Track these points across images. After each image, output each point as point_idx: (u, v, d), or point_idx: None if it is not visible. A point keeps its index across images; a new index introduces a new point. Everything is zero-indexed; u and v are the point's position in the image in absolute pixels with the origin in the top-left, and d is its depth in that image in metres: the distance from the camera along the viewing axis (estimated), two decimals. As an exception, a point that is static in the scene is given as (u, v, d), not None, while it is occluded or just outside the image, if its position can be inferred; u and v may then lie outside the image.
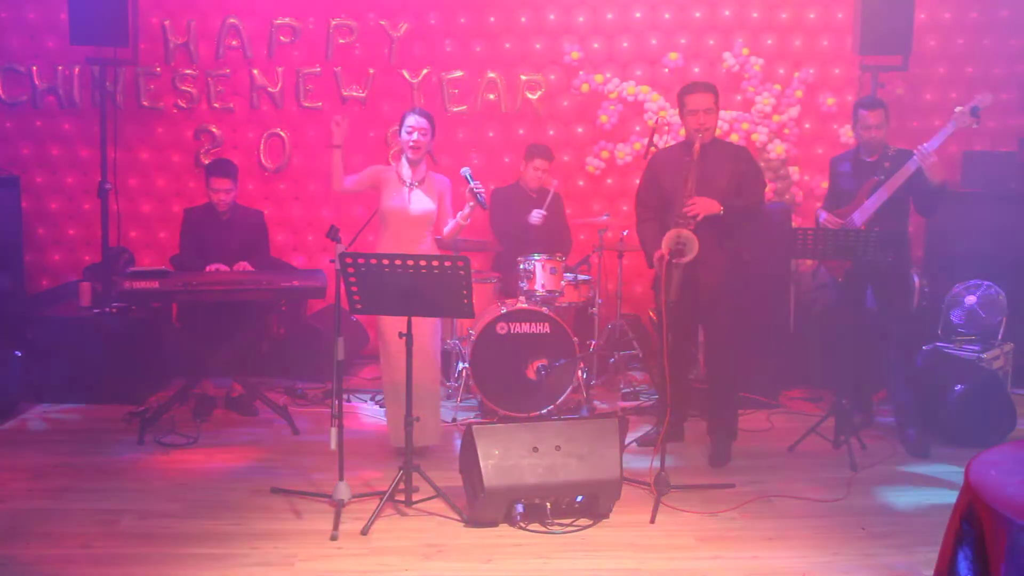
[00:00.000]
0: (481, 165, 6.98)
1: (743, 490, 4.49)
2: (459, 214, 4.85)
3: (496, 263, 6.43)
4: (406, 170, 4.85)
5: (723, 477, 4.66)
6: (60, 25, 6.50)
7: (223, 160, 5.88)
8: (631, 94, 6.82)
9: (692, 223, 4.60)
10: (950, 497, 2.63)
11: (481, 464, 3.97)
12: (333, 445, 4.10)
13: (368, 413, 5.73)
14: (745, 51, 6.79)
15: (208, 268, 5.40)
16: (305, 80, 6.90)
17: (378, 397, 5.82)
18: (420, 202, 4.84)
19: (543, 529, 4.02)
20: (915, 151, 4.86)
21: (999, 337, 6.03)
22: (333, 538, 3.92)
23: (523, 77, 6.94)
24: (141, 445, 5.07)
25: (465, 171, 4.88)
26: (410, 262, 3.95)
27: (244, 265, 5.49)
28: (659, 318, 4.74)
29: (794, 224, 6.35)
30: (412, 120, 4.81)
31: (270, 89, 6.89)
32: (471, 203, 4.78)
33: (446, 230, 4.94)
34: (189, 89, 6.85)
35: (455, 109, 6.95)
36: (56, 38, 6.70)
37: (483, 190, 4.82)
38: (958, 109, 4.94)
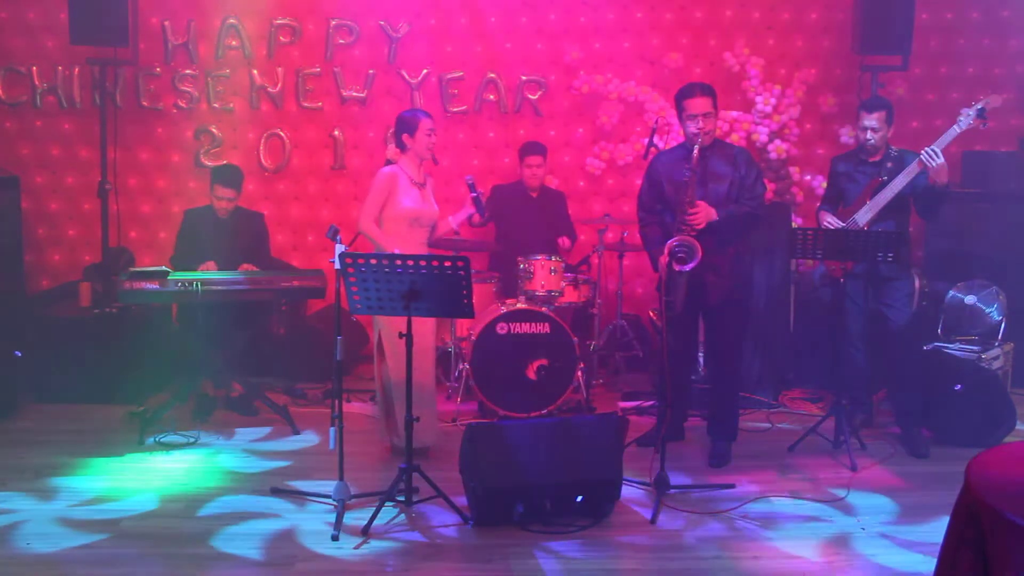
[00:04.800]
0: (481, 165, 6.99)
1: (743, 490, 4.49)
2: (451, 217, 4.97)
3: (496, 263, 6.42)
4: (417, 171, 4.85)
5: (723, 477, 4.66)
6: (60, 25, 6.50)
7: (230, 167, 5.86)
8: (631, 94, 6.81)
9: (695, 230, 4.59)
10: (950, 497, 2.63)
11: (481, 464, 3.97)
12: (333, 445, 4.10)
13: (368, 413, 5.72)
14: (746, 51, 6.79)
15: (200, 268, 5.38)
16: (305, 80, 6.90)
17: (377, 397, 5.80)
18: (432, 201, 4.90)
19: (543, 529, 4.02)
20: (921, 154, 4.85)
21: (999, 337, 6.03)
22: (333, 538, 3.92)
23: (523, 77, 6.94)
24: (141, 445, 5.08)
25: (469, 179, 4.98)
26: (410, 262, 3.95)
27: (249, 267, 5.46)
28: (660, 318, 4.73)
29: (794, 224, 6.35)
30: (431, 123, 4.82)
31: (270, 89, 6.89)
32: (471, 211, 4.91)
33: (439, 231, 5.01)
34: (189, 89, 6.85)
35: (455, 109, 6.95)
36: (56, 38, 6.71)
37: (483, 196, 4.97)
38: (964, 110, 4.93)
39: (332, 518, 4.04)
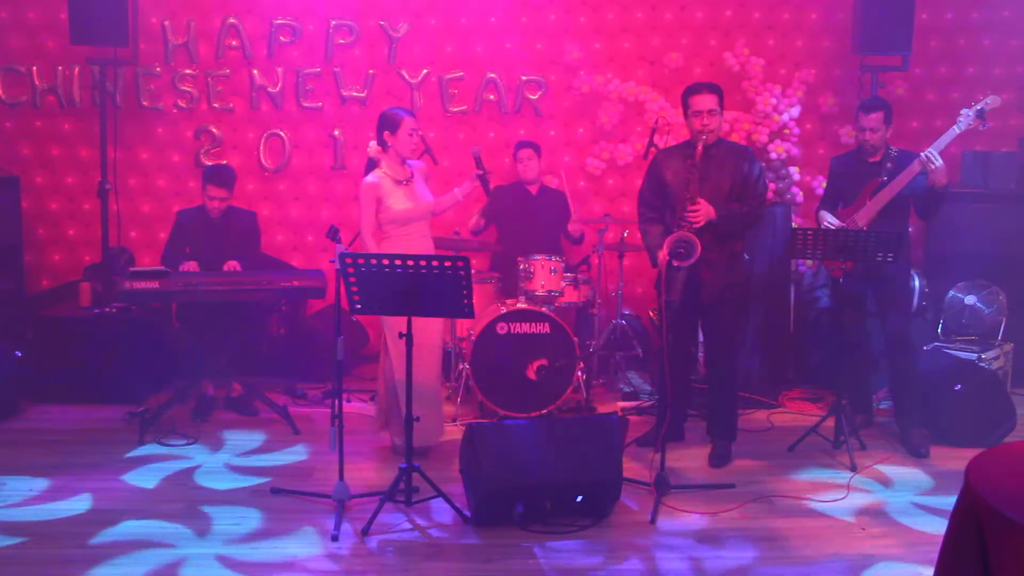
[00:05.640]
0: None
1: (743, 490, 4.49)
2: (457, 189, 4.93)
3: (496, 263, 6.42)
4: (400, 170, 4.83)
5: (723, 477, 4.67)
6: (60, 25, 6.50)
7: (222, 167, 5.85)
8: (631, 94, 6.81)
9: (694, 227, 4.59)
10: (950, 497, 2.63)
11: (481, 464, 3.97)
12: (333, 445, 4.10)
13: (369, 413, 5.72)
14: (746, 51, 6.79)
15: (181, 267, 5.34)
16: (305, 80, 6.90)
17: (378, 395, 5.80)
18: (423, 195, 4.86)
19: (543, 529, 4.02)
20: (920, 155, 4.85)
21: (999, 337, 6.03)
22: (333, 538, 3.92)
23: (523, 77, 6.93)
24: (141, 445, 5.08)
25: (475, 151, 4.92)
26: (410, 262, 3.95)
27: (233, 265, 5.42)
28: (659, 318, 4.73)
29: (794, 224, 6.35)
30: (414, 123, 4.79)
31: (270, 89, 6.89)
32: (475, 183, 4.86)
33: (439, 207, 4.95)
34: (189, 89, 6.85)
35: (455, 109, 6.95)
36: (56, 38, 6.70)
37: (489, 175, 4.89)
38: (964, 111, 4.93)
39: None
